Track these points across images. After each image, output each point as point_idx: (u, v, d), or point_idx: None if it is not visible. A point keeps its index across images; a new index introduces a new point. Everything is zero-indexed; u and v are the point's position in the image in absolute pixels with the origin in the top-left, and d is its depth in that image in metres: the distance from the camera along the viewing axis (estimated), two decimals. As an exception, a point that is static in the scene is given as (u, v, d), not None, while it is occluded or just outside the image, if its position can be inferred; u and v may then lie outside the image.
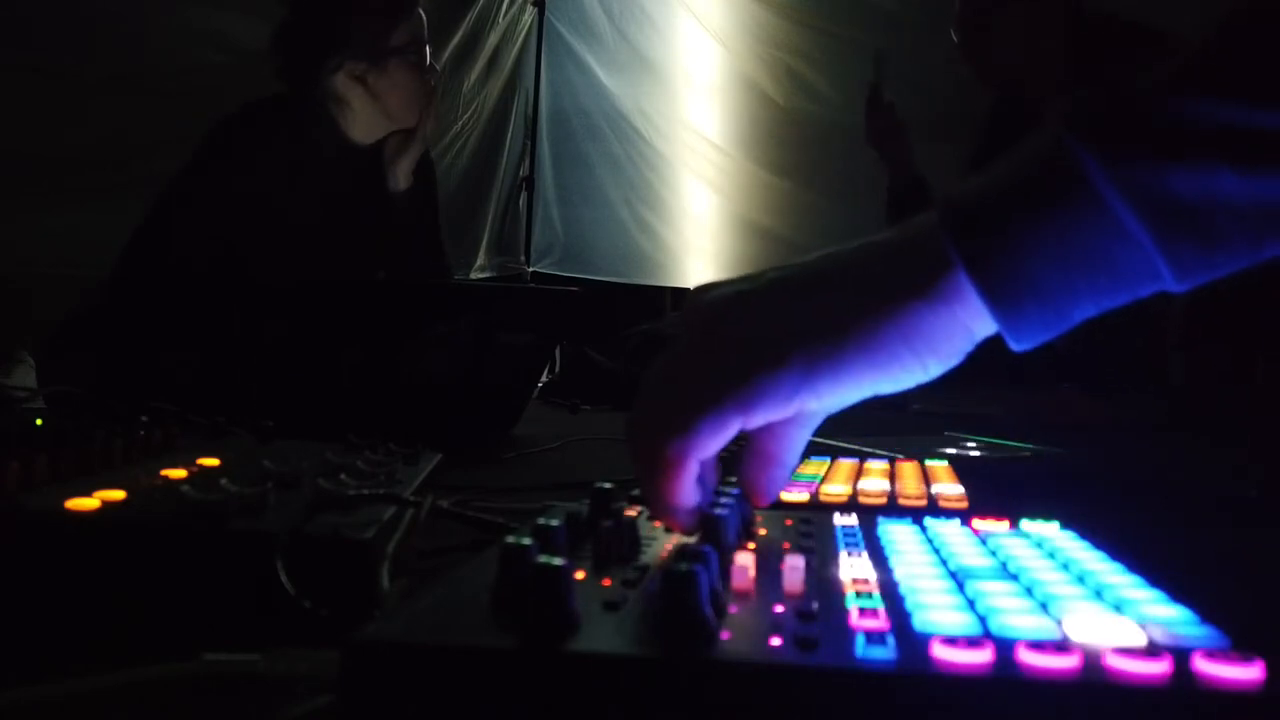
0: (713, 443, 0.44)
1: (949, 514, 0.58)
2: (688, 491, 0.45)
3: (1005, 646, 0.31)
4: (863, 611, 0.35)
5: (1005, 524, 0.54)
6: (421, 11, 1.63)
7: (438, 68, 1.68)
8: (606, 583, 0.39)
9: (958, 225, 0.43)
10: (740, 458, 0.52)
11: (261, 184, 1.51)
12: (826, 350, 0.43)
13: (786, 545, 0.47)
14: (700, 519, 0.46)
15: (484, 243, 3.18)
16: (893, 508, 0.62)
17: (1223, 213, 0.40)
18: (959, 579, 0.40)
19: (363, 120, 1.60)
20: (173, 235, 1.50)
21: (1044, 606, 0.36)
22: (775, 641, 0.32)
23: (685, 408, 0.44)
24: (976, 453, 1.25)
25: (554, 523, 0.42)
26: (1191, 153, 0.40)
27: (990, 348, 0.45)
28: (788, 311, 0.45)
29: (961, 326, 0.44)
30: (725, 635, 0.33)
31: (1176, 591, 0.38)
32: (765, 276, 0.47)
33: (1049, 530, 0.53)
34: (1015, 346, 0.44)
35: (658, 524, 0.51)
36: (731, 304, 0.47)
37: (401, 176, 1.62)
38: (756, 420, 0.44)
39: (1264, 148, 0.39)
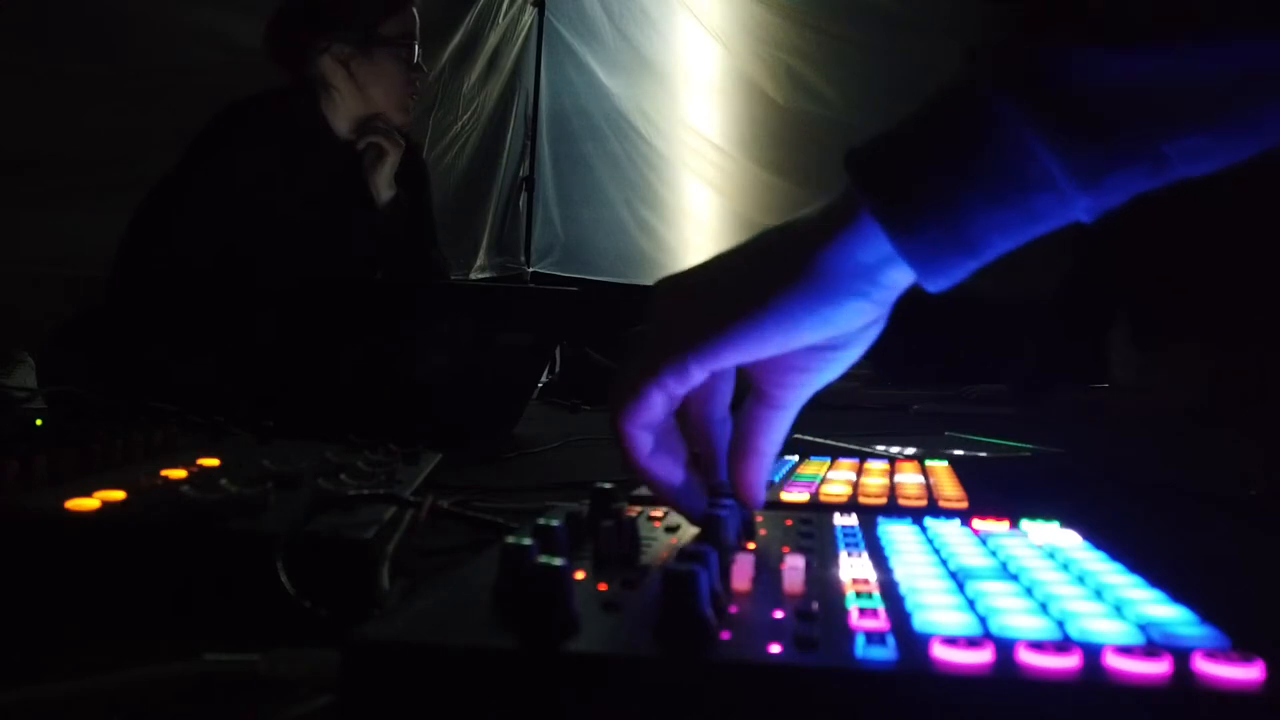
0: (640, 412, 0.47)
1: (949, 514, 0.58)
2: (634, 455, 0.48)
3: (1005, 646, 0.31)
4: (863, 611, 0.35)
5: (1005, 524, 0.54)
6: (415, 11, 1.64)
7: (425, 69, 1.68)
8: (605, 585, 0.39)
9: (854, 153, 0.43)
10: (729, 451, 0.52)
11: (247, 178, 1.52)
12: (719, 316, 0.44)
13: (786, 549, 0.47)
14: (701, 519, 0.46)
15: (484, 243, 3.18)
16: (893, 508, 0.62)
17: (1102, 99, 0.39)
18: (959, 579, 0.40)
19: (345, 109, 1.61)
20: (165, 233, 1.51)
21: (1044, 606, 0.36)
22: (775, 642, 0.32)
23: (619, 385, 0.47)
24: (976, 453, 1.25)
25: (554, 523, 0.42)
26: (1058, 32, 0.39)
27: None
28: (709, 281, 0.47)
29: (857, 266, 0.43)
30: (725, 635, 0.33)
31: (1176, 591, 0.38)
32: (710, 261, 0.49)
33: (1049, 530, 0.53)
34: (927, 284, 0.43)
35: (658, 524, 0.51)
36: (675, 287, 0.49)
37: (382, 187, 1.62)
38: (672, 389, 0.46)
39: (1129, 23, 0.39)
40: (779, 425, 0.50)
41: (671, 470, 0.49)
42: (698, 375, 0.46)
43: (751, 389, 0.50)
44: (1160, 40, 0.38)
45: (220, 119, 1.56)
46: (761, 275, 0.45)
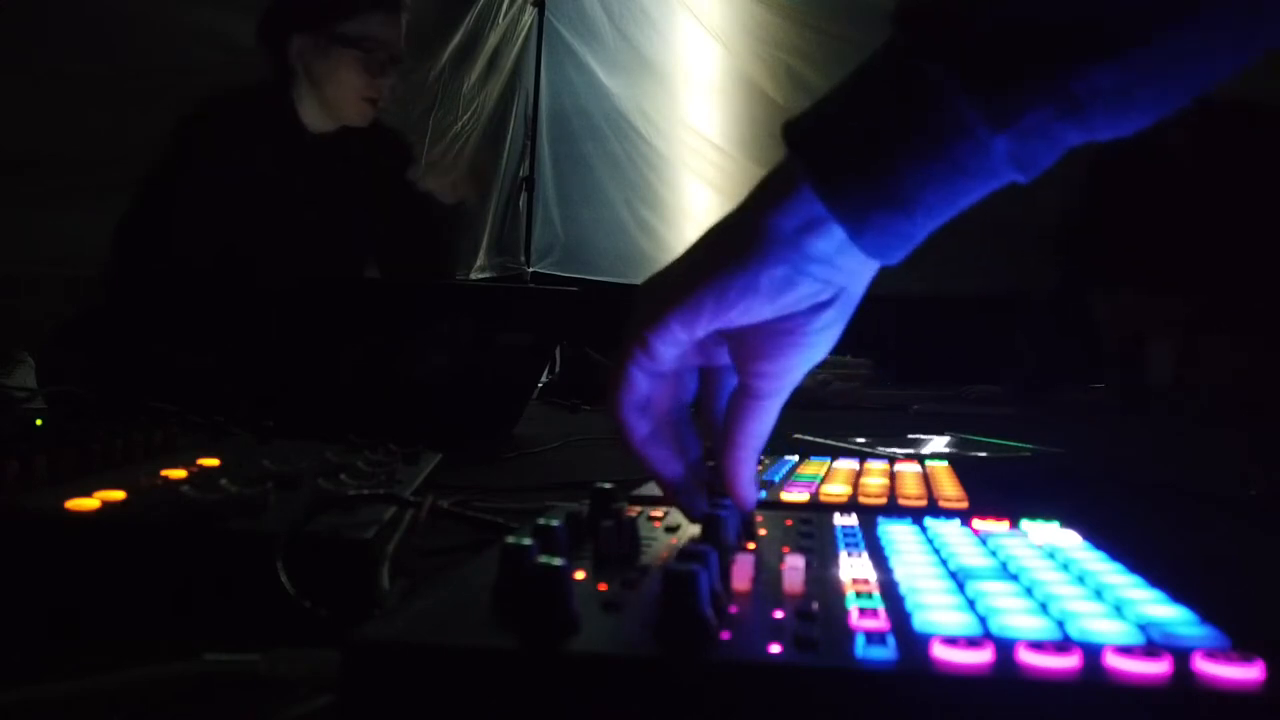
0: (628, 391, 0.48)
1: (949, 514, 0.58)
2: (633, 438, 0.49)
3: (1005, 646, 0.31)
4: (863, 611, 0.35)
5: (1005, 524, 0.54)
6: (388, 17, 1.60)
7: (391, 75, 1.63)
8: (604, 586, 0.39)
9: (789, 121, 0.44)
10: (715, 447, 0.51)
11: (218, 172, 1.53)
12: (680, 283, 0.46)
13: (786, 549, 0.47)
14: (701, 519, 0.46)
15: (484, 243, 3.18)
16: (893, 508, 0.62)
17: (1002, 34, 0.39)
18: (959, 579, 0.40)
19: (308, 105, 1.60)
20: (148, 233, 1.51)
21: (1044, 606, 0.36)
22: (775, 642, 0.32)
23: (611, 372, 0.49)
24: (976, 453, 1.25)
25: (554, 523, 0.42)
26: None
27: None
28: (675, 263, 0.48)
29: (782, 233, 0.43)
30: (725, 635, 0.33)
31: (1176, 591, 0.38)
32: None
33: (1049, 530, 0.53)
34: (869, 253, 0.43)
35: (658, 524, 0.51)
36: (645, 281, 0.50)
37: (442, 192, 1.64)
38: (657, 354, 0.47)
39: None
40: (758, 416, 0.49)
41: (668, 460, 0.50)
42: (660, 348, 0.47)
43: (737, 383, 0.51)
44: None
45: (191, 116, 1.57)
46: (711, 245, 0.46)
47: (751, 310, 0.45)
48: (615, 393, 0.48)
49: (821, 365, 0.54)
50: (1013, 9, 0.39)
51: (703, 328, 0.46)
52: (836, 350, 0.49)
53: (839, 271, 0.44)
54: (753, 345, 0.47)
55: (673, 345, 0.47)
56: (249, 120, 1.57)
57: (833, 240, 0.43)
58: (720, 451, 0.50)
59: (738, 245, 0.44)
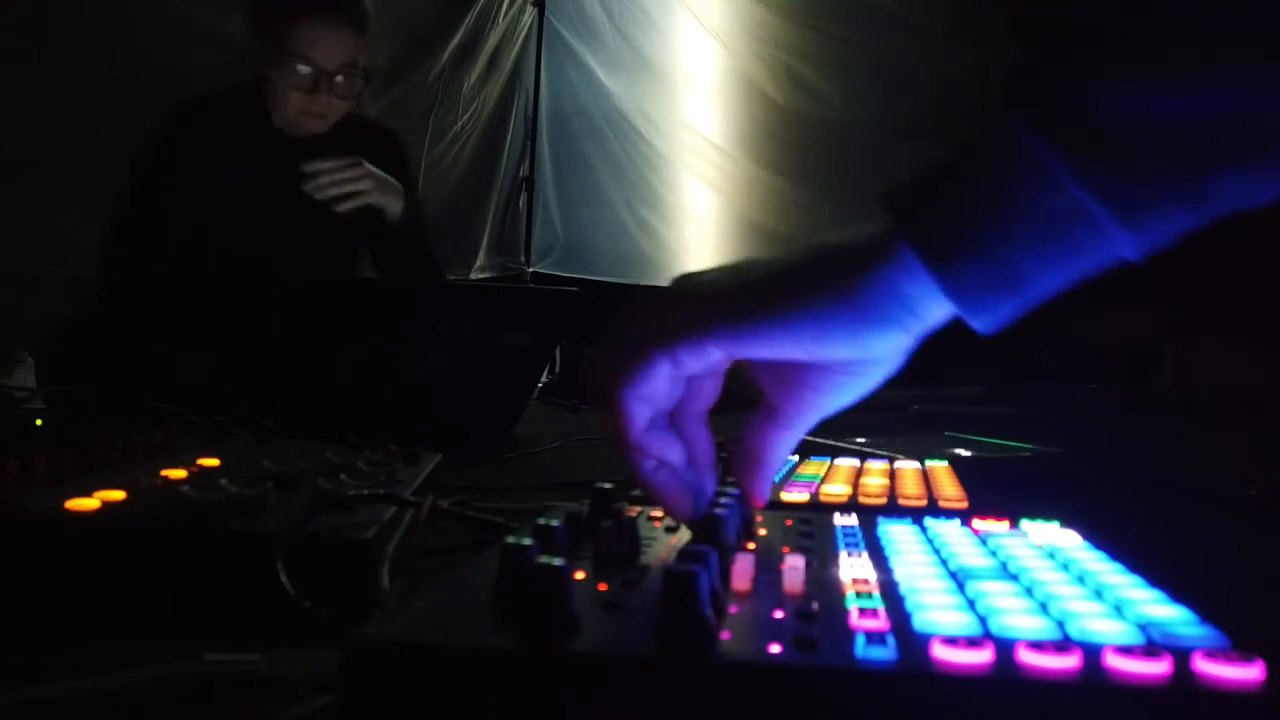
0: (642, 378, 0.45)
1: (949, 514, 0.58)
2: (629, 425, 0.46)
3: (1005, 646, 0.31)
4: (863, 611, 0.35)
5: (1005, 524, 0.54)
6: (347, 33, 1.53)
7: (339, 94, 1.55)
8: (604, 586, 0.39)
9: (891, 192, 0.43)
10: (732, 459, 0.52)
11: (200, 171, 1.53)
12: (751, 300, 0.44)
13: (786, 549, 0.47)
14: (701, 519, 0.46)
15: (484, 243, 3.18)
16: (893, 508, 0.62)
17: (1136, 137, 0.38)
18: (959, 579, 0.40)
19: (274, 108, 1.58)
20: (141, 226, 1.52)
21: (1044, 606, 0.36)
22: (775, 642, 0.32)
23: (619, 349, 0.46)
24: (976, 453, 1.25)
25: (554, 523, 0.42)
26: (1087, 67, 0.39)
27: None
28: (733, 275, 0.46)
29: (897, 295, 0.43)
30: (725, 635, 0.33)
31: (1176, 591, 0.38)
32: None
33: (1049, 530, 0.53)
34: (975, 324, 0.42)
35: (658, 524, 0.51)
36: (700, 276, 0.48)
37: (386, 204, 1.57)
38: (683, 360, 0.45)
39: (1159, 58, 0.38)
40: (786, 442, 0.50)
41: (663, 449, 0.48)
42: (714, 354, 0.45)
43: (762, 404, 0.50)
44: (1190, 76, 0.38)
45: (166, 115, 1.57)
46: (804, 279, 0.44)
47: (837, 351, 0.44)
48: (629, 373, 0.45)
49: None
50: (1143, 109, 0.38)
51: (777, 350, 0.44)
52: None
53: (931, 323, 0.44)
54: (807, 379, 0.47)
55: (701, 361, 0.45)
56: (226, 119, 1.57)
57: (943, 309, 0.43)
58: (744, 469, 0.50)
59: (839, 292, 0.43)
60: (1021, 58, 0.41)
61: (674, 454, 0.48)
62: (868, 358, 0.45)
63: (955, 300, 0.42)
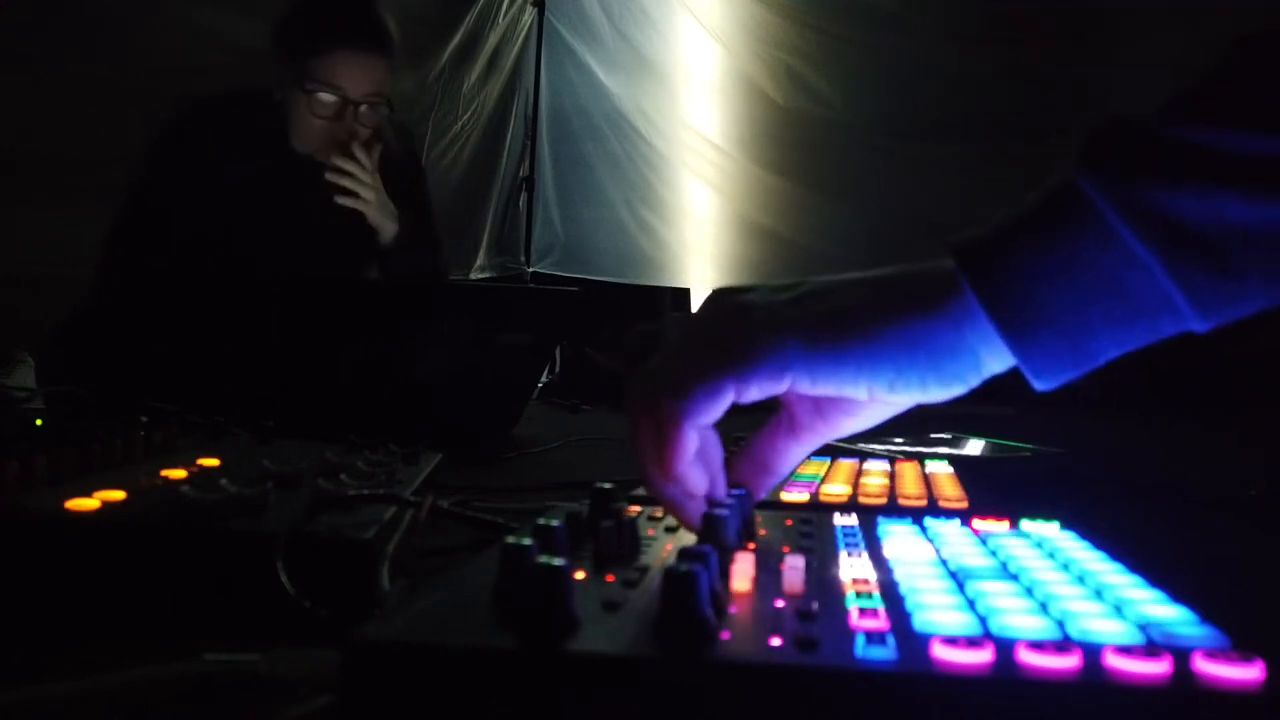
0: (707, 408, 0.44)
1: (949, 514, 0.58)
2: (682, 458, 0.45)
3: (1005, 646, 0.31)
4: (863, 611, 0.35)
5: (1005, 524, 0.54)
6: (373, 60, 1.50)
7: (357, 124, 1.53)
8: (610, 578, 0.39)
9: (966, 249, 0.43)
10: (735, 458, 0.52)
11: (209, 171, 1.52)
12: (829, 335, 0.43)
13: (786, 549, 0.47)
14: (701, 519, 0.46)
15: (484, 243, 3.18)
16: (893, 508, 0.62)
17: (1235, 241, 0.39)
18: (959, 579, 0.40)
19: (294, 135, 1.57)
20: (144, 227, 1.51)
21: (1044, 606, 0.36)
22: (775, 642, 0.32)
23: (684, 373, 0.44)
24: (976, 453, 1.25)
25: (554, 523, 0.42)
26: (1198, 178, 0.39)
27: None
28: (800, 302, 0.45)
29: (968, 349, 0.43)
30: (725, 635, 0.33)
31: (1176, 591, 0.38)
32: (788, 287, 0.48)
33: (1049, 530, 0.53)
34: (1036, 384, 0.43)
35: (658, 524, 0.51)
36: (749, 293, 0.47)
37: (381, 223, 1.57)
38: (751, 391, 0.44)
39: (1271, 175, 0.38)
40: (799, 455, 0.50)
41: (699, 483, 0.47)
42: (786, 385, 0.44)
43: (782, 413, 0.50)
44: None
45: (177, 116, 1.56)
46: (880, 320, 0.43)
47: (905, 395, 0.44)
48: (694, 401, 0.43)
49: None
50: (1242, 216, 0.38)
51: (855, 380, 0.44)
52: None
53: (992, 374, 0.45)
54: (846, 403, 0.47)
55: (772, 391, 0.44)
56: (234, 121, 1.56)
57: (1005, 365, 0.43)
58: (749, 471, 0.50)
59: (927, 338, 0.43)
60: (1107, 127, 0.41)
61: (702, 483, 0.47)
62: (923, 401, 0.45)
63: (1025, 366, 0.42)
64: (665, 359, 0.46)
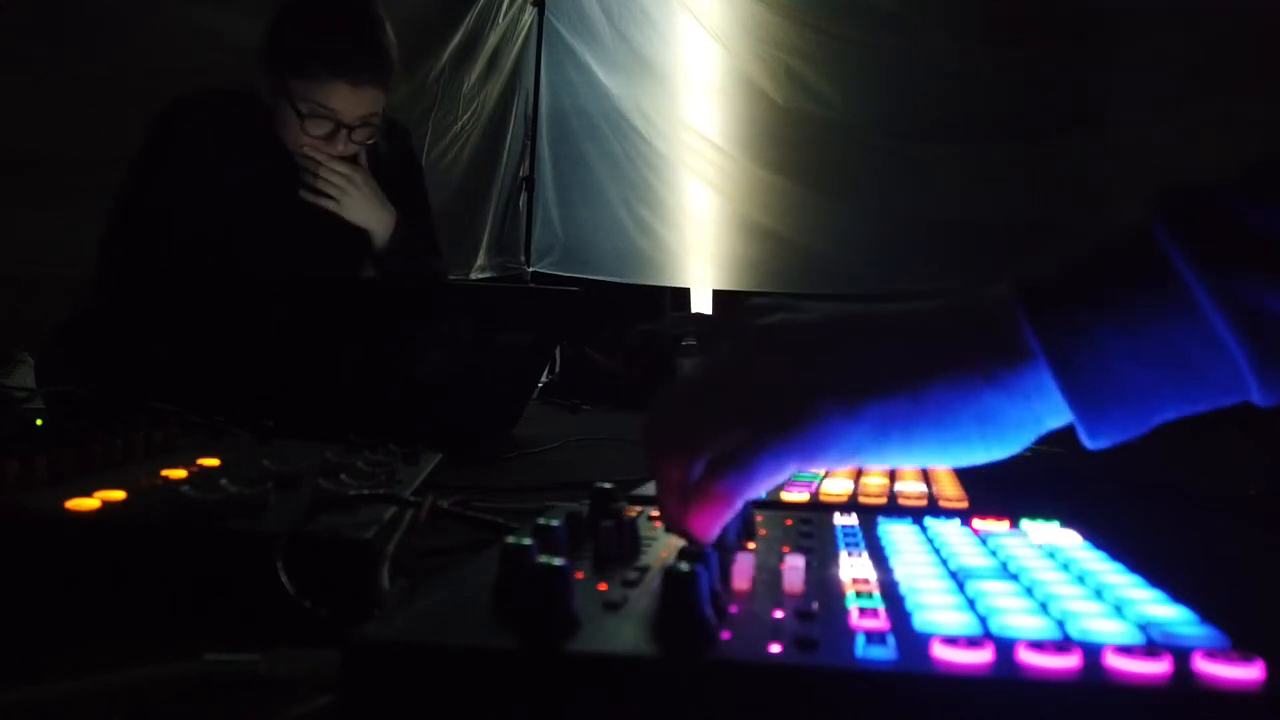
0: (767, 484, 0.42)
1: (949, 514, 0.58)
2: (717, 532, 0.43)
3: (1005, 646, 0.31)
4: (863, 611, 0.35)
5: (1005, 524, 0.54)
6: (359, 88, 1.47)
7: (339, 144, 1.50)
8: (603, 586, 0.39)
9: (1041, 318, 0.41)
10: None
11: (200, 169, 1.51)
12: (903, 412, 0.41)
13: (786, 549, 0.47)
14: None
15: (484, 243, 3.18)
16: (893, 508, 0.62)
17: None
18: (959, 579, 0.40)
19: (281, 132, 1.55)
20: (139, 226, 1.51)
21: (1044, 606, 0.36)
22: (775, 642, 0.32)
23: (749, 447, 0.42)
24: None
25: (554, 523, 0.42)
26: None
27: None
28: (860, 356, 0.43)
29: (1034, 417, 0.42)
30: (725, 635, 0.33)
31: (1176, 591, 0.38)
32: (820, 309, 0.45)
33: (1049, 530, 0.53)
34: (1090, 445, 0.42)
35: (658, 524, 0.51)
36: (795, 331, 0.44)
37: (370, 224, 1.56)
38: (811, 467, 0.43)
39: None
40: (798, 469, 0.48)
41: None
42: (834, 465, 0.43)
43: None
44: None
45: (165, 113, 1.55)
46: (946, 396, 0.41)
47: (954, 464, 0.43)
48: (755, 472, 0.41)
49: None
50: None
51: (882, 457, 0.42)
52: None
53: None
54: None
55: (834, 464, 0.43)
56: (229, 120, 1.56)
57: (1060, 423, 0.42)
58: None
59: (994, 413, 0.41)
60: (1189, 196, 0.40)
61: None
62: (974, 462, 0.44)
63: (1086, 431, 0.41)
64: (712, 404, 0.44)
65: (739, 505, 0.42)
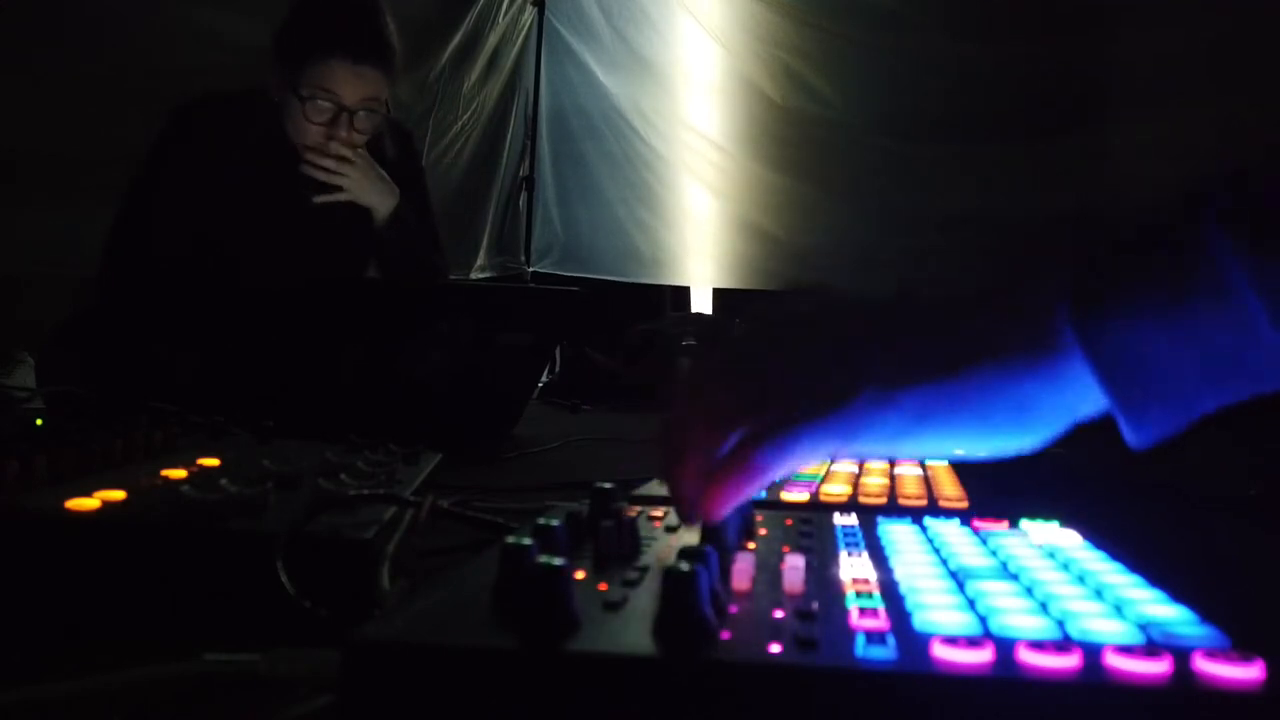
0: (801, 463, 0.42)
1: (949, 514, 0.58)
2: (736, 504, 0.43)
3: (1005, 646, 0.31)
4: (863, 611, 0.35)
5: (1005, 524, 0.54)
6: (364, 71, 1.48)
7: (349, 132, 1.51)
8: (603, 586, 0.39)
9: (1081, 312, 0.40)
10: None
11: (207, 170, 1.51)
12: (944, 401, 0.42)
13: (786, 549, 0.47)
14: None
15: (484, 243, 3.18)
16: (893, 508, 0.62)
17: None
18: (959, 579, 0.40)
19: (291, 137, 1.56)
20: (145, 227, 1.51)
21: (1044, 606, 0.36)
22: (775, 642, 0.32)
23: (787, 414, 0.42)
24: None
25: (554, 523, 0.42)
26: None
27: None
28: (902, 344, 0.43)
29: (1069, 406, 0.42)
30: (725, 635, 0.33)
31: (1176, 591, 0.38)
32: (859, 296, 0.46)
33: (1049, 530, 0.53)
34: (1133, 440, 0.41)
35: (658, 524, 0.51)
36: (838, 316, 0.44)
37: (374, 204, 1.56)
38: (848, 451, 0.43)
39: None
40: (808, 465, 0.48)
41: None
42: (872, 450, 0.42)
43: None
44: None
45: (174, 113, 1.55)
46: (962, 379, 0.42)
47: (983, 450, 0.43)
48: (752, 484, 0.41)
49: None
50: None
51: (919, 444, 0.42)
52: None
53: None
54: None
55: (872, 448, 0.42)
56: (233, 120, 1.56)
57: (1097, 408, 0.42)
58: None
59: (1030, 406, 0.42)
60: (1231, 185, 0.40)
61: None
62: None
63: (1129, 428, 0.41)
64: (749, 378, 0.44)
65: (766, 482, 0.42)
